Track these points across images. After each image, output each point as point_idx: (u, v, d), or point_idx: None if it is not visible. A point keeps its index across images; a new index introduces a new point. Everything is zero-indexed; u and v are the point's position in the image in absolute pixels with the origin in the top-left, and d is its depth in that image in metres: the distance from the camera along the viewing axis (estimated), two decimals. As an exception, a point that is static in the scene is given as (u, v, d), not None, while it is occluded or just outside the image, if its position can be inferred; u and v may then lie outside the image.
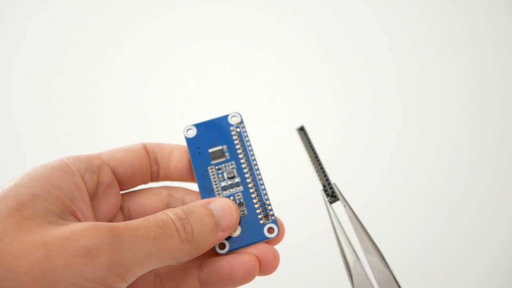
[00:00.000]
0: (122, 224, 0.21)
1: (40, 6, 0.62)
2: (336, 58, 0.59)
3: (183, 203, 0.28)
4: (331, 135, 0.54)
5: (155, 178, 0.29)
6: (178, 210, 0.23)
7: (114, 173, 0.26)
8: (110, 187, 0.26)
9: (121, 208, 0.28)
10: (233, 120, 0.28)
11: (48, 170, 0.22)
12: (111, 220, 0.27)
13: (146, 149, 0.28)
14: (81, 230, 0.19)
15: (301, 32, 0.61)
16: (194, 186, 0.30)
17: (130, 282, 0.20)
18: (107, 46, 0.59)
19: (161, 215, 0.22)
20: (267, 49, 0.60)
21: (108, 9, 0.61)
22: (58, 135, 0.54)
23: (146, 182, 0.29)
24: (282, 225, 0.26)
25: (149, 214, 0.23)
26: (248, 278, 0.24)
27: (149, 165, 0.28)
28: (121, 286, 0.20)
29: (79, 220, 0.22)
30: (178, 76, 0.58)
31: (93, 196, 0.25)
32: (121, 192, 0.28)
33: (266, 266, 0.24)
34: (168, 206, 0.28)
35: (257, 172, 0.27)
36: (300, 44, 0.60)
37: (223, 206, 0.24)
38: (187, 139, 0.27)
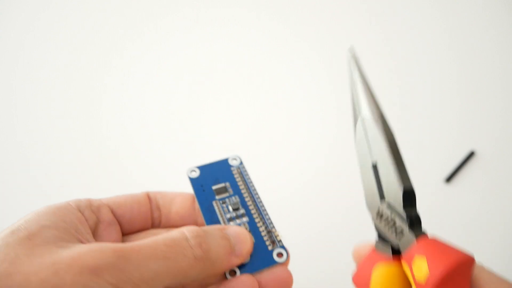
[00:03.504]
0: (128, 245, 0.21)
1: (41, 7, 0.65)
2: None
3: None
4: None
5: (156, 224, 0.29)
6: (195, 228, 0.23)
7: (113, 214, 0.27)
8: (110, 225, 0.27)
9: None
10: (233, 162, 0.30)
11: (52, 209, 0.24)
12: None
13: (149, 197, 0.29)
14: (87, 251, 0.20)
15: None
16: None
17: None
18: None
19: (173, 233, 0.23)
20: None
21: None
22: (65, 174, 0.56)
23: (147, 228, 0.29)
24: (288, 251, 0.26)
25: None
26: None
27: (150, 211, 0.29)
28: None
29: None
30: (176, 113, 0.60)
31: (94, 232, 0.26)
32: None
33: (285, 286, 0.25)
34: None
35: (260, 204, 0.28)
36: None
37: (238, 232, 0.25)
38: (191, 179, 0.28)
